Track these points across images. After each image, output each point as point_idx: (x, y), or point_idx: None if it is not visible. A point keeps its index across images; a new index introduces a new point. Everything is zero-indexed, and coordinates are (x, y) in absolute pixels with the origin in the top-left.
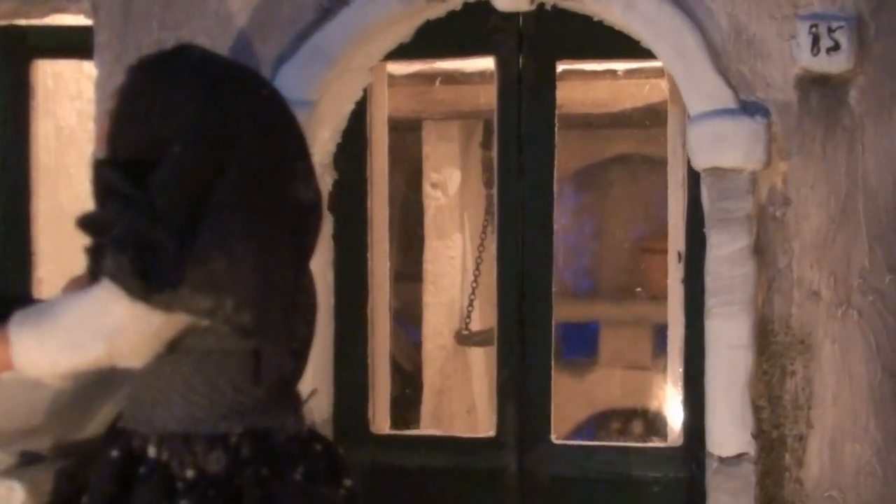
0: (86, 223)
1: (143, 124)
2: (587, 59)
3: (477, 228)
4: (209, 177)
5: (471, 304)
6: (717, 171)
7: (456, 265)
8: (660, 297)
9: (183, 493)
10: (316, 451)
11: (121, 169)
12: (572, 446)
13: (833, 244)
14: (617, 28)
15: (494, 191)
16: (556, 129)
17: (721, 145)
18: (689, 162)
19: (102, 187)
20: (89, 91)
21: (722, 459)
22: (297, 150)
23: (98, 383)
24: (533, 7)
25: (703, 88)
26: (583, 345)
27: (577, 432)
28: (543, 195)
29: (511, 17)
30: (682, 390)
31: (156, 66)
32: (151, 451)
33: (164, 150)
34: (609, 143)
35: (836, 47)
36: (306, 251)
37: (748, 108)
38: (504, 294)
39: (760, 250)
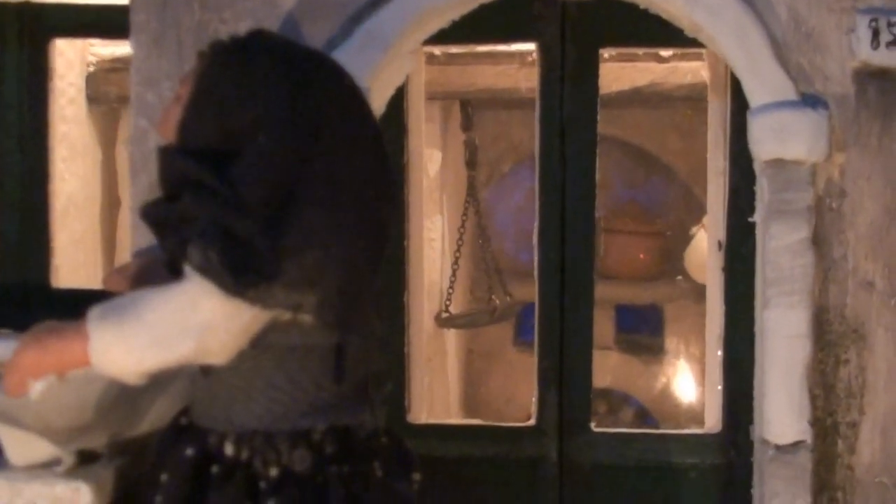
0: (156, 214)
1: (220, 113)
2: (629, 46)
3: (457, 210)
4: (295, 168)
5: (451, 287)
6: (778, 163)
7: (436, 247)
8: (620, 277)
9: (268, 492)
10: (386, 446)
11: (197, 159)
12: (612, 434)
13: (887, 235)
14: (664, 17)
15: (536, 178)
16: (597, 116)
17: (785, 137)
18: (730, 150)
19: (177, 177)
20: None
21: (778, 447)
22: (376, 140)
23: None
24: None
25: (765, 80)
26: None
27: None
28: (585, 183)
29: (554, 3)
30: (721, 378)
31: (232, 53)
32: (229, 450)
33: (242, 140)
34: None
35: (895, 41)
36: (383, 243)
37: (809, 101)
38: (545, 283)
39: (817, 241)
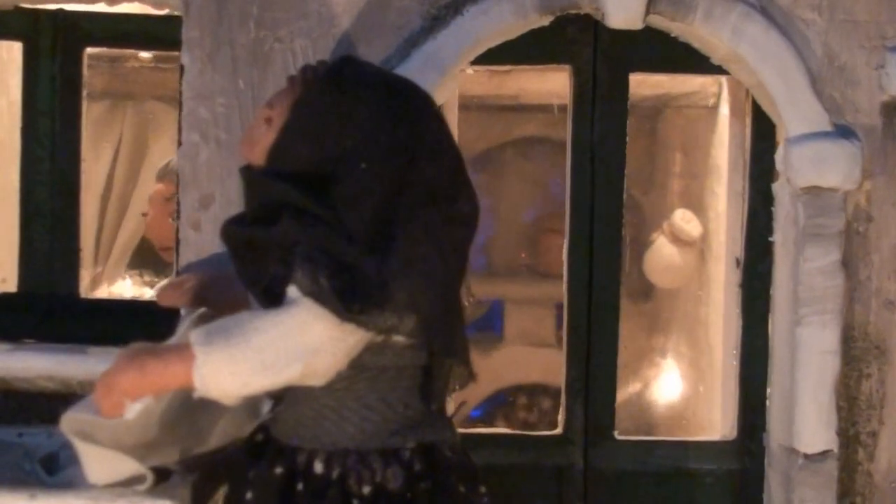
0: (243, 236)
1: (317, 139)
2: (658, 72)
3: None
4: (395, 193)
5: None
6: (814, 190)
7: None
8: (558, 275)
9: None
10: (458, 460)
11: (293, 183)
12: (635, 442)
13: None
14: (694, 45)
15: (567, 196)
16: (626, 139)
17: (822, 166)
18: (750, 173)
19: (271, 201)
20: None
21: (807, 456)
22: (460, 164)
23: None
24: (642, 26)
25: (803, 111)
26: (486, 322)
27: (480, 407)
28: (613, 201)
29: (587, 28)
30: (737, 388)
31: (330, 80)
32: (318, 468)
33: (338, 166)
34: (513, 127)
35: None
36: (465, 263)
37: (842, 132)
38: (573, 298)
39: (845, 263)
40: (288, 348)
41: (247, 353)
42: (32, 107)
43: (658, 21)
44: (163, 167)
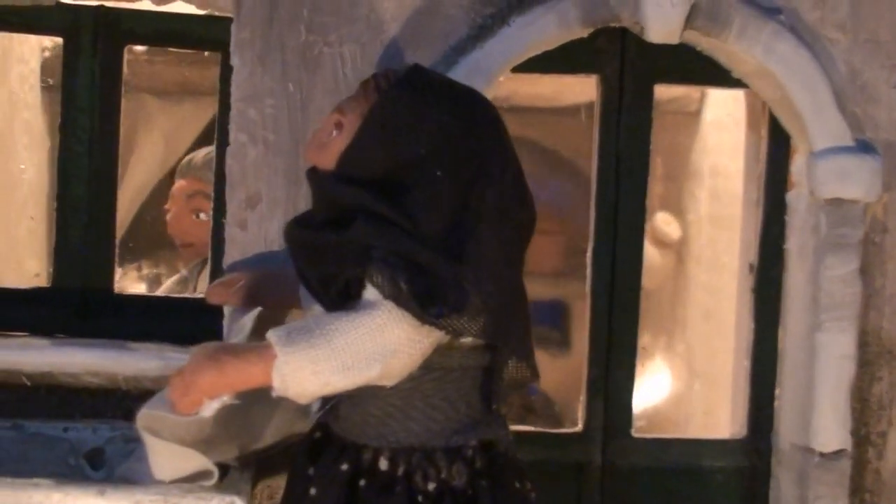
0: (312, 240)
1: (391, 146)
2: (680, 83)
3: None
4: (465, 199)
5: None
6: (837, 202)
7: None
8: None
9: None
10: (510, 457)
11: (366, 188)
12: (650, 439)
13: None
14: (719, 60)
15: (591, 201)
16: (650, 146)
17: (845, 179)
18: (765, 183)
19: (345, 205)
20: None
21: (823, 455)
22: (521, 171)
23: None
24: (679, 41)
25: (828, 126)
26: None
27: None
28: (636, 207)
29: (615, 39)
30: (748, 388)
31: (403, 89)
32: (383, 465)
33: (410, 173)
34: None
35: None
36: (523, 267)
37: (863, 146)
38: (596, 299)
39: (862, 271)
40: (368, 349)
41: (329, 354)
42: (71, 102)
43: (693, 36)
44: (185, 163)
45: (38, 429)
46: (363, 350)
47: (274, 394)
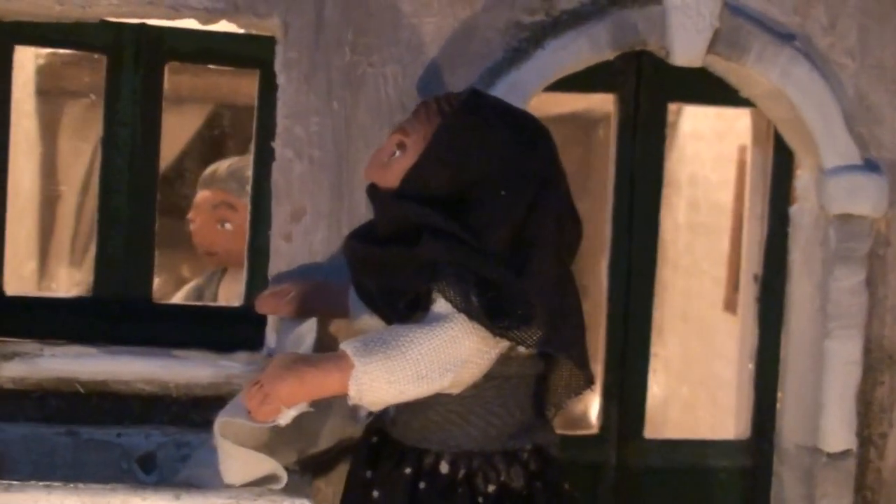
0: (374, 255)
1: (459, 165)
2: (691, 102)
3: None
4: (527, 217)
5: None
6: (846, 217)
7: None
8: None
9: None
10: (559, 460)
11: (431, 207)
12: (661, 441)
13: None
14: (729, 81)
15: (607, 216)
16: (664, 162)
17: (855, 196)
18: (770, 198)
19: (410, 223)
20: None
21: (829, 455)
22: (569, 189)
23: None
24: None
25: (838, 145)
26: None
27: None
28: (650, 221)
29: (631, 60)
30: (753, 392)
31: (467, 113)
32: (444, 468)
33: (473, 191)
34: None
35: None
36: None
37: (870, 165)
38: (613, 308)
39: (867, 282)
40: (441, 360)
41: (404, 364)
42: (113, 117)
43: (713, 60)
44: (209, 174)
45: (92, 434)
46: (437, 360)
47: (350, 402)
